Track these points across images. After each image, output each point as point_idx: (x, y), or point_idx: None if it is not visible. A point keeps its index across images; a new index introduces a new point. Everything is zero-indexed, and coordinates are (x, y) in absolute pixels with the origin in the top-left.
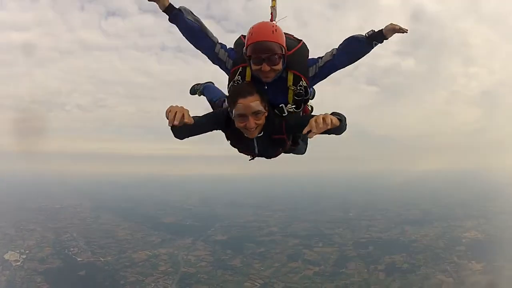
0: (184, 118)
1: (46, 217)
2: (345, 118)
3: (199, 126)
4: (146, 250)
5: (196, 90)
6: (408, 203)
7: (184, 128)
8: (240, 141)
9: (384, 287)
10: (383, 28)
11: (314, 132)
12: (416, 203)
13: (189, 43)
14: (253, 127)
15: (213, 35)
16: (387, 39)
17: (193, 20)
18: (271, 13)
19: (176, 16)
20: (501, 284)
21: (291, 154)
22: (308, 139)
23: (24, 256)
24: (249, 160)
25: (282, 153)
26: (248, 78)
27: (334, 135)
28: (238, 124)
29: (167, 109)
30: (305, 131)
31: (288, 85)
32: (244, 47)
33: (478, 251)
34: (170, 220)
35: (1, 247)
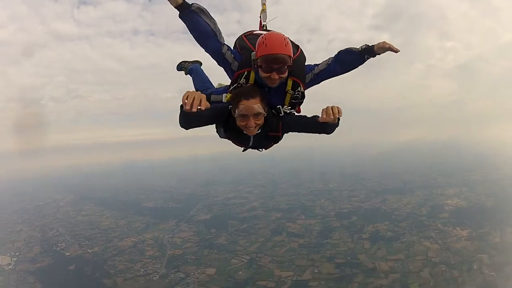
0: (201, 104)
1: (31, 215)
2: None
3: (204, 118)
4: (132, 237)
5: (183, 67)
6: (388, 173)
7: (193, 117)
8: (237, 135)
9: (370, 256)
10: (375, 44)
11: (330, 120)
12: (395, 173)
13: (195, 40)
14: (253, 126)
15: (220, 34)
16: (379, 54)
17: (205, 20)
18: (260, 19)
19: (189, 15)
20: (488, 250)
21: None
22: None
23: (15, 259)
24: (242, 151)
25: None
26: (251, 81)
27: (324, 133)
28: (240, 123)
29: (184, 94)
30: (322, 120)
31: (286, 89)
32: (255, 55)
33: (462, 218)
34: (152, 205)
35: None
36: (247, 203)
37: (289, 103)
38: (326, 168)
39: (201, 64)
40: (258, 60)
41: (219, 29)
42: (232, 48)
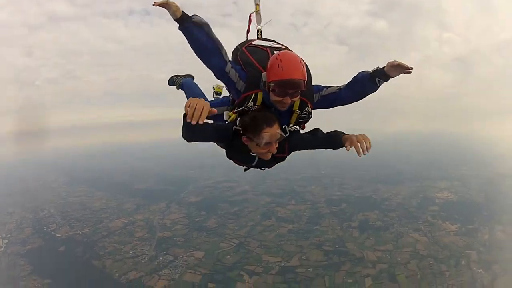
0: (205, 114)
1: (23, 198)
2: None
3: (208, 134)
4: (122, 218)
5: (174, 82)
6: (380, 163)
7: (197, 130)
8: (241, 156)
9: (359, 244)
10: (385, 65)
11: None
12: (388, 163)
13: (196, 56)
14: (275, 152)
15: (225, 53)
16: (392, 77)
17: (207, 34)
18: (249, 19)
19: (190, 28)
20: (476, 247)
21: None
22: None
23: (6, 241)
24: (244, 170)
25: None
26: (259, 103)
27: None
28: (260, 150)
29: (187, 103)
30: (348, 149)
31: (293, 109)
32: (266, 77)
33: (452, 212)
34: (143, 186)
35: None
36: (238, 187)
37: (295, 122)
38: (319, 155)
39: (193, 78)
40: (272, 84)
41: (222, 44)
42: (233, 63)
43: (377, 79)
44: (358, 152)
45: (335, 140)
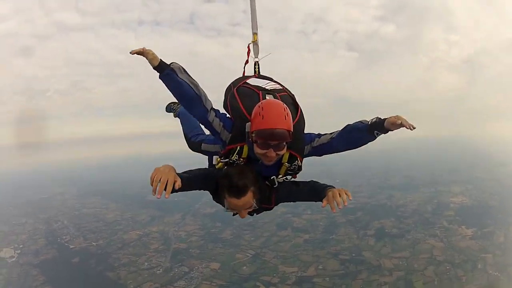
0: (170, 187)
1: (35, 209)
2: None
3: (189, 186)
4: (137, 230)
5: (172, 109)
6: (393, 170)
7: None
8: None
9: (375, 253)
10: (386, 118)
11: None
12: (400, 169)
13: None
14: (244, 217)
15: (207, 99)
16: (391, 130)
17: (186, 81)
18: (248, 50)
19: (169, 76)
20: (492, 250)
21: None
22: None
23: (19, 251)
24: (233, 215)
25: None
26: (244, 155)
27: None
28: (229, 211)
29: (152, 175)
30: (324, 205)
31: (282, 161)
32: (249, 127)
33: (467, 217)
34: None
35: None
36: None
37: (284, 174)
38: (332, 164)
39: None
40: (254, 134)
41: (203, 91)
42: (217, 111)
43: (375, 131)
44: (332, 208)
45: (320, 196)
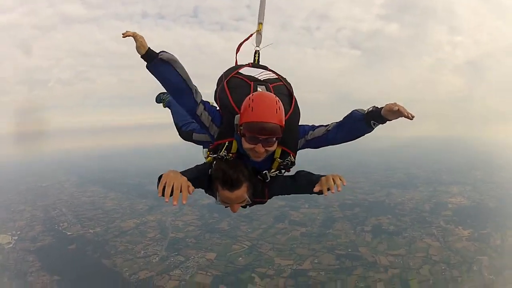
0: (186, 192)
1: (34, 196)
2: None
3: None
4: (134, 218)
5: (162, 99)
6: (393, 168)
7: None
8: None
9: (371, 249)
10: (383, 106)
11: (327, 193)
12: (401, 167)
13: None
14: (236, 211)
15: (197, 92)
16: (389, 119)
17: (176, 72)
18: (249, 35)
19: (157, 65)
20: (488, 252)
21: None
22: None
23: (16, 237)
24: (225, 207)
25: None
26: (233, 150)
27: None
28: (221, 204)
29: (162, 181)
30: (317, 190)
31: (274, 157)
32: (238, 121)
33: (465, 217)
34: (156, 188)
35: None
36: None
37: (277, 168)
38: (332, 159)
39: None
40: (242, 127)
41: (192, 83)
42: (207, 103)
43: (372, 121)
44: (323, 191)
45: (313, 185)
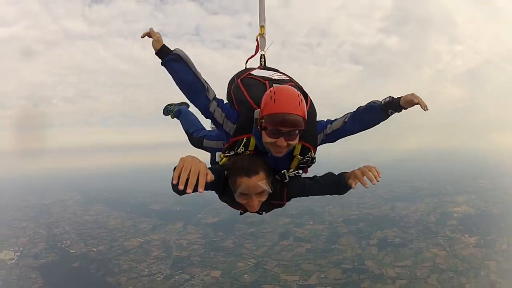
0: (203, 179)
1: (37, 213)
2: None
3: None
4: (138, 237)
5: (169, 111)
6: (397, 181)
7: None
8: (235, 201)
9: (378, 261)
10: (401, 97)
11: (365, 186)
12: (404, 180)
13: (180, 91)
14: (256, 206)
15: (209, 88)
16: (405, 108)
17: (189, 69)
18: (257, 43)
19: (171, 62)
20: (495, 257)
21: None
22: None
23: (19, 254)
24: (240, 214)
25: None
26: (251, 147)
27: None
28: (240, 200)
29: (179, 166)
30: (351, 183)
31: (294, 154)
32: (259, 114)
33: (470, 225)
34: (159, 207)
35: None
36: None
37: (296, 167)
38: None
39: (188, 106)
40: (263, 120)
41: (205, 81)
42: (220, 101)
43: (389, 110)
44: (363, 184)
45: (339, 182)
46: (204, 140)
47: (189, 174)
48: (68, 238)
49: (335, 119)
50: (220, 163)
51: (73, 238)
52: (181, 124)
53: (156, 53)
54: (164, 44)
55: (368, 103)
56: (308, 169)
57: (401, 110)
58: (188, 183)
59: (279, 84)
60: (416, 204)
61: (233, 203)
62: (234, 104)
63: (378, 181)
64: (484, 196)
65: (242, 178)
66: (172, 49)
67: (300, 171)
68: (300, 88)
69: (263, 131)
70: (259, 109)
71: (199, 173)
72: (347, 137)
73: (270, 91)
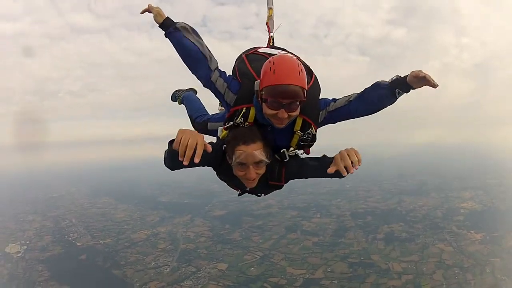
0: (201, 149)
1: (44, 206)
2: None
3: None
4: (145, 230)
5: (176, 97)
6: (404, 175)
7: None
8: (233, 179)
9: (384, 256)
10: (408, 74)
11: (344, 173)
12: (412, 174)
13: (183, 62)
14: (254, 177)
15: (212, 59)
16: (414, 88)
17: (191, 40)
18: (268, 26)
19: (173, 33)
20: (500, 254)
21: None
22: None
23: (25, 247)
24: (238, 195)
25: None
26: (251, 119)
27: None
28: (237, 172)
29: (177, 137)
30: (331, 171)
31: (294, 129)
32: (259, 85)
33: (477, 221)
34: (167, 199)
35: (2, 240)
36: (263, 201)
37: (296, 145)
38: None
39: (196, 92)
40: (263, 92)
41: (209, 51)
42: (228, 73)
43: (396, 90)
44: (342, 172)
45: (324, 166)
46: (209, 123)
47: (186, 147)
48: (75, 231)
49: (339, 98)
50: (220, 137)
51: (80, 231)
52: (186, 110)
53: (159, 26)
54: (167, 17)
55: (375, 82)
56: (310, 149)
57: (409, 90)
58: (185, 156)
59: None
60: (423, 199)
61: (231, 180)
62: (237, 76)
63: (356, 169)
64: (491, 192)
65: (240, 146)
66: (175, 22)
67: (301, 152)
68: (307, 68)
69: (263, 103)
70: (259, 81)
71: (197, 144)
72: (351, 119)
73: (269, 61)
